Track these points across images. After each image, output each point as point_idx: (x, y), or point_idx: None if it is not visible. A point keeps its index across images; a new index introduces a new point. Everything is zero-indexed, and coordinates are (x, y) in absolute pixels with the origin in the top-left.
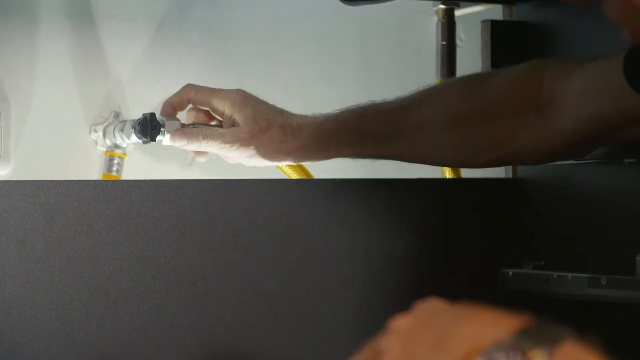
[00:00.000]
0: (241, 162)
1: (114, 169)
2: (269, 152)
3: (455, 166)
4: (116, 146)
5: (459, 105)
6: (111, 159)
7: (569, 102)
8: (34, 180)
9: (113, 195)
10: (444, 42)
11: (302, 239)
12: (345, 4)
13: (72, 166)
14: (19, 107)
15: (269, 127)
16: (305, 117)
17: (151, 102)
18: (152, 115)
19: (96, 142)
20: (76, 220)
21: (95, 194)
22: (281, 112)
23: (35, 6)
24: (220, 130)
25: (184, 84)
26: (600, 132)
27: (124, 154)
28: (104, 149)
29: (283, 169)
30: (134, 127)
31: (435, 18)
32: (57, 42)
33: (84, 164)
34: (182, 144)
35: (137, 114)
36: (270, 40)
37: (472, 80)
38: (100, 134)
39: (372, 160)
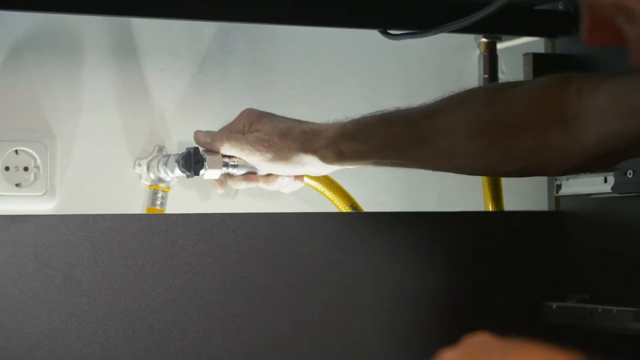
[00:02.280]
0: (273, 182)
1: (158, 202)
2: (293, 152)
3: (478, 174)
4: (160, 180)
5: (482, 115)
6: (155, 193)
7: (594, 118)
8: (79, 215)
9: (157, 229)
10: (486, 76)
11: (344, 272)
12: (387, 38)
13: (116, 200)
14: (64, 141)
15: (289, 130)
16: (326, 123)
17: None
18: (196, 149)
19: (140, 176)
20: (121, 254)
21: (140, 228)
22: (299, 120)
23: (80, 42)
24: (244, 135)
25: (227, 118)
26: (622, 147)
27: (168, 187)
28: (148, 183)
29: (326, 194)
30: (177, 161)
31: (477, 51)
32: (102, 78)
33: (128, 197)
34: (206, 142)
35: (180, 148)
36: (312, 75)
37: (495, 90)
38: (145, 167)
39: (395, 168)
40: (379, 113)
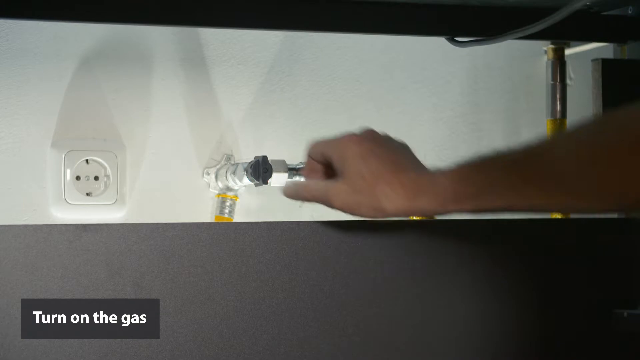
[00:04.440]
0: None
1: (226, 211)
2: (374, 209)
3: (598, 213)
4: (228, 189)
5: (594, 144)
6: (223, 201)
7: None
8: (149, 223)
9: (226, 237)
10: (553, 82)
11: (416, 280)
12: (454, 45)
13: (185, 208)
14: (134, 151)
15: (376, 182)
16: (420, 172)
17: (262, 145)
18: (264, 158)
19: (209, 185)
20: (190, 262)
21: (209, 236)
22: (394, 165)
23: (149, 52)
24: (325, 184)
25: (294, 126)
26: None
27: (236, 196)
28: (217, 192)
29: None
30: (246, 170)
31: (545, 57)
32: (171, 87)
33: (196, 206)
34: (292, 196)
35: (248, 157)
36: (379, 83)
37: (606, 117)
38: (213, 176)
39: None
40: (475, 159)
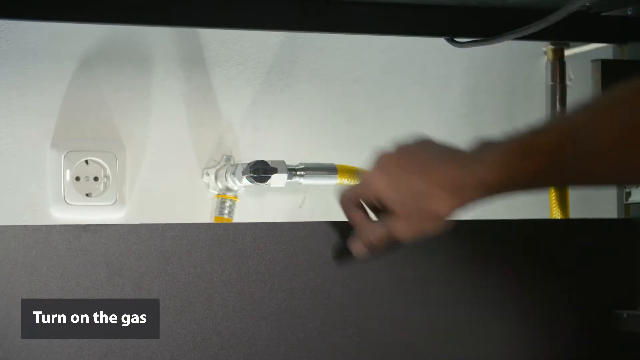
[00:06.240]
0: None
1: (226, 211)
2: (436, 220)
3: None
4: (228, 189)
5: (627, 124)
6: (223, 202)
7: None
8: (148, 224)
9: (225, 237)
10: (552, 83)
11: (415, 280)
12: (454, 45)
13: (184, 209)
14: (133, 151)
15: (419, 201)
16: (457, 166)
17: (262, 146)
18: (263, 161)
19: (208, 185)
20: (190, 263)
21: (208, 237)
22: (427, 175)
23: (149, 53)
24: (383, 228)
25: (294, 127)
26: None
27: (236, 197)
28: (216, 192)
29: None
30: (245, 171)
31: (545, 58)
32: (171, 88)
33: (196, 206)
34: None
35: (248, 158)
36: (378, 83)
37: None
38: (212, 177)
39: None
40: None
